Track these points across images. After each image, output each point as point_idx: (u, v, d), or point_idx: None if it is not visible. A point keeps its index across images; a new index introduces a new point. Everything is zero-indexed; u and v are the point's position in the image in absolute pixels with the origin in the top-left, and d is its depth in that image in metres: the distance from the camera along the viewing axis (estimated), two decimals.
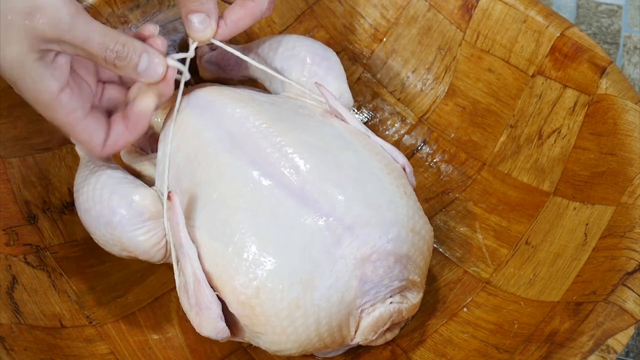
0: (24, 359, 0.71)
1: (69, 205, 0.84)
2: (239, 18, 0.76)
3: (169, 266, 0.82)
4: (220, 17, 0.75)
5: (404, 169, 0.76)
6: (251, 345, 0.77)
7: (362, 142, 0.75)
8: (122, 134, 0.72)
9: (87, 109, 0.70)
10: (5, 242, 0.79)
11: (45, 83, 0.67)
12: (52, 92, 0.67)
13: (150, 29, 0.73)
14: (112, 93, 0.75)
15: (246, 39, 0.93)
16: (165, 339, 0.78)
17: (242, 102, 0.76)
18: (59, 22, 0.65)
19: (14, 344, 0.71)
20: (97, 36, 0.67)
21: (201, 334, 0.71)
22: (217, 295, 0.70)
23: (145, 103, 0.72)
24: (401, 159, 0.76)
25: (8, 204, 0.81)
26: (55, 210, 0.83)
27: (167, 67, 0.71)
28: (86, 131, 0.70)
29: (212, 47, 0.89)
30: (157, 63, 0.71)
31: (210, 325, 0.70)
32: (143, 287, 0.81)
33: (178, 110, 0.77)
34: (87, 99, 0.71)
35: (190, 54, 0.75)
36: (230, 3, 0.77)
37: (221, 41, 0.76)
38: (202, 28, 0.74)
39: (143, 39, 0.72)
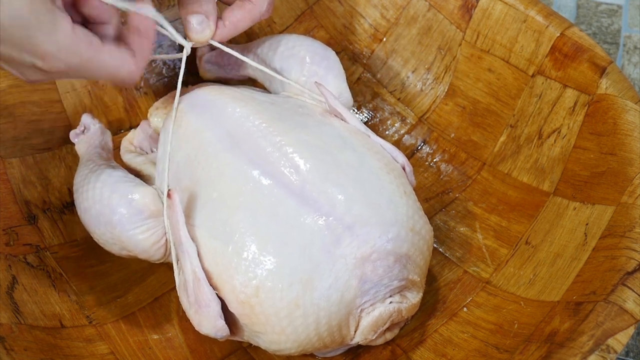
0: (24, 359, 0.71)
1: (69, 205, 0.84)
2: (238, 19, 0.76)
3: (169, 266, 0.82)
4: (220, 18, 0.76)
5: (404, 169, 0.76)
6: (251, 345, 0.77)
7: (362, 141, 0.75)
8: (141, 44, 0.71)
9: (98, 39, 0.68)
10: (5, 242, 0.79)
11: (61, 23, 0.65)
12: (69, 29, 0.66)
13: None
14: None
15: (246, 39, 0.93)
16: (165, 339, 0.78)
17: (242, 102, 0.76)
18: None
19: (14, 344, 0.71)
20: None
21: (200, 332, 0.71)
22: (216, 294, 0.70)
23: (146, 7, 0.71)
24: (401, 158, 0.76)
25: (8, 204, 0.81)
26: (55, 210, 0.83)
27: None
28: (113, 55, 0.69)
29: (212, 47, 0.89)
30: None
31: (210, 323, 0.70)
32: (143, 287, 0.81)
33: (177, 110, 0.77)
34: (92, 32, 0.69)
35: (186, 52, 0.75)
36: (229, 4, 0.78)
37: (220, 42, 0.76)
38: (200, 29, 0.75)
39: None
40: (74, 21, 0.67)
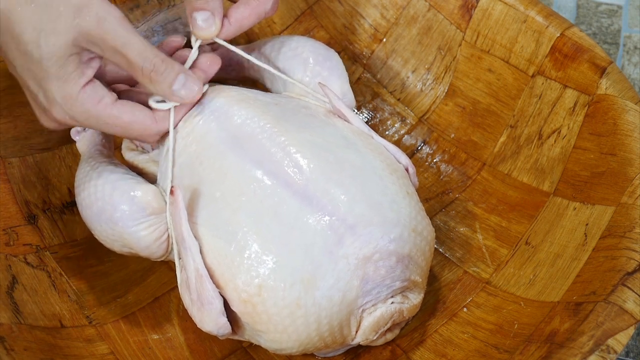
0: (24, 359, 0.71)
1: (69, 205, 0.84)
2: (243, 17, 0.76)
3: (169, 266, 0.82)
4: (224, 15, 0.75)
5: (407, 170, 0.76)
6: (251, 345, 0.77)
7: (365, 142, 0.75)
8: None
9: (114, 97, 0.71)
10: (5, 242, 0.79)
11: (75, 77, 0.68)
12: (79, 85, 0.69)
13: (179, 39, 0.77)
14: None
15: (246, 39, 0.93)
16: (165, 339, 0.78)
17: (245, 102, 0.76)
18: (104, 21, 0.67)
19: (14, 344, 0.71)
20: (138, 44, 0.69)
21: (203, 330, 0.71)
22: (218, 292, 0.70)
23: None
24: (404, 159, 0.76)
25: (8, 204, 0.81)
26: (55, 210, 0.83)
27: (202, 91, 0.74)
28: (125, 110, 0.71)
29: (214, 47, 0.89)
30: (193, 88, 0.73)
31: (212, 320, 0.70)
32: (143, 287, 0.81)
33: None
34: (112, 93, 0.72)
35: (194, 52, 0.75)
36: (234, 1, 0.77)
37: (225, 40, 0.76)
38: (206, 26, 0.74)
39: (171, 49, 0.77)
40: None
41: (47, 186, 0.84)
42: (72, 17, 0.67)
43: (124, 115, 0.71)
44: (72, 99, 0.69)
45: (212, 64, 0.76)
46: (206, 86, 0.76)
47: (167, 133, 0.77)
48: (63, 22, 0.67)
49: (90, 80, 0.69)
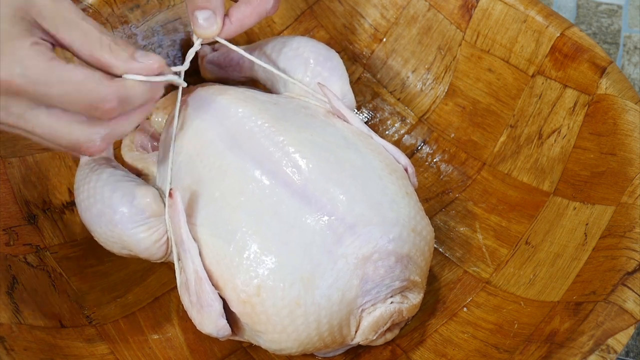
0: (24, 359, 0.71)
1: (69, 205, 0.84)
2: (244, 16, 0.76)
3: (169, 266, 0.82)
4: (225, 14, 0.75)
5: (406, 170, 0.76)
6: (251, 345, 0.77)
7: (365, 142, 0.75)
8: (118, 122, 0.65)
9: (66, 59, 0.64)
10: (5, 242, 0.79)
11: (24, 36, 0.62)
12: (28, 42, 0.61)
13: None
14: None
15: (246, 39, 0.93)
16: (165, 339, 0.78)
17: (245, 102, 0.76)
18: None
19: (14, 344, 0.71)
20: (93, 20, 0.64)
21: (202, 332, 0.71)
22: (218, 293, 0.70)
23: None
24: (403, 159, 0.76)
25: (8, 204, 0.81)
26: (55, 210, 0.83)
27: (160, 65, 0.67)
28: (78, 70, 0.62)
29: (214, 48, 0.90)
30: (151, 55, 0.66)
31: (212, 322, 0.70)
32: (143, 287, 0.81)
33: (180, 109, 0.77)
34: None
35: (196, 47, 0.75)
36: (235, 0, 0.77)
37: (226, 39, 0.76)
38: (207, 25, 0.74)
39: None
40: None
41: (47, 186, 0.84)
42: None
43: (76, 72, 0.61)
44: (24, 51, 0.61)
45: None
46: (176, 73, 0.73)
47: (166, 132, 0.77)
48: None
49: (38, 42, 0.62)
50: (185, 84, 0.71)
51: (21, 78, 0.61)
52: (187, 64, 0.74)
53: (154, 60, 0.65)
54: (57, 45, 0.64)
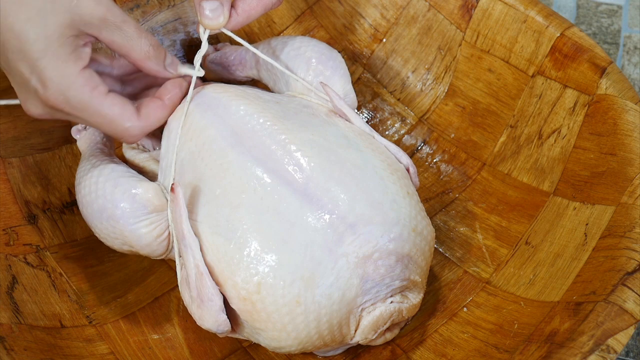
0: (24, 359, 0.71)
1: (69, 205, 0.84)
2: (250, 7, 0.76)
3: (169, 266, 0.82)
4: (232, 6, 0.75)
5: (408, 170, 0.76)
6: (251, 344, 0.77)
7: (366, 141, 0.75)
8: (158, 106, 0.74)
9: (107, 87, 0.71)
10: (5, 242, 0.79)
11: (74, 57, 0.69)
12: (78, 66, 0.69)
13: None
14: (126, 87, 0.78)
15: (246, 39, 0.93)
16: (165, 339, 0.78)
17: (247, 100, 0.76)
18: (101, 2, 0.68)
19: (14, 344, 0.71)
20: (134, 22, 0.71)
21: (202, 327, 0.71)
22: (218, 289, 0.70)
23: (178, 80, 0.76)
24: (405, 159, 0.76)
25: (8, 204, 0.81)
26: (55, 210, 0.83)
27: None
28: (115, 103, 0.71)
29: (216, 47, 0.90)
30: (177, 62, 0.76)
31: (212, 317, 0.70)
32: (143, 287, 0.81)
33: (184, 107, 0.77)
34: (106, 81, 0.73)
35: (204, 45, 0.75)
36: None
37: (232, 31, 0.76)
38: (214, 16, 0.74)
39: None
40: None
41: (47, 186, 0.84)
42: (68, 1, 0.67)
43: (114, 108, 0.71)
44: (71, 79, 0.69)
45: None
46: (201, 72, 0.77)
47: (168, 129, 0.77)
48: (62, 3, 0.67)
49: (87, 66, 0.70)
50: (202, 72, 0.77)
51: (64, 104, 0.70)
52: (198, 67, 0.76)
53: (181, 74, 0.76)
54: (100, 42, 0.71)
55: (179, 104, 0.76)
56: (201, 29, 0.76)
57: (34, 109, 0.71)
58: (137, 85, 0.79)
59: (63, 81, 0.68)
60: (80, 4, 0.67)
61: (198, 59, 0.76)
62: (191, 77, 0.76)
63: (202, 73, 0.76)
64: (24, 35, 0.67)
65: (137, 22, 0.72)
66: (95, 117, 0.71)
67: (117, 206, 0.73)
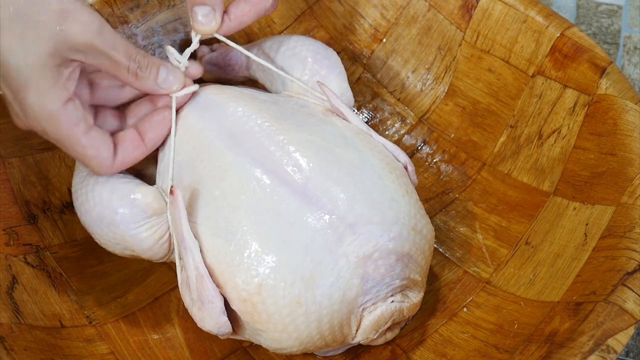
0: (24, 359, 0.71)
1: (69, 205, 0.84)
2: (243, 13, 0.76)
3: (169, 266, 0.82)
4: (225, 12, 0.76)
5: (406, 168, 0.76)
6: (251, 344, 0.77)
7: (364, 140, 0.75)
8: (135, 147, 0.74)
9: (90, 123, 0.71)
10: (5, 242, 0.79)
11: (56, 91, 0.67)
12: (60, 100, 0.68)
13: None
14: (106, 116, 0.76)
15: (245, 39, 0.93)
16: (165, 339, 0.78)
17: (244, 101, 0.76)
18: (90, 26, 0.67)
19: (14, 344, 0.71)
20: (123, 44, 0.70)
21: (203, 329, 0.71)
22: (219, 291, 0.70)
23: (164, 113, 0.75)
24: (403, 157, 0.76)
25: (8, 204, 0.81)
26: (55, 210, 0.83)
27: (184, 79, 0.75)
28: (92, 145, 0.71)
29: (213, 48, 0.90)
30: (175, 74, 0.74)
31: (213, 319, 0.70)
32: (143, 287, 0.81)
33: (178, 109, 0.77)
34: (89, 115, 0.72)
35: (194, 46, 0.75)
36: None
37: (224, 36, 0.76)
38: (206, 21, 0.75)
39: None
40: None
41: (47, 186, 0.84)
42: (55, 24, 0.66)
43: (88, 150, 0.71)
44: (51, 114, 0.68)
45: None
46: (196, 86, 0.76)
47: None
48: (45, 30, 0.66)
49: (71, 98, 0.69)
50: (198, 44, 0.76)
51: (43, 133, 0.70)
52: (185, 61, 0.75)
53: (176, 87, 0.74)
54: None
55: (161, 142, 0.76)
56: (193, 33, 0.76)
57: (21, 125, 0.71)
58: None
59: (43, 114, 0.68)
60: (65, 29, 0.66)
61: (186, 54, 0.76)
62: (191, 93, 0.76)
63: (200, 72, 0.76)
64: (5, 63, 0.66)
65: (128, 43, 0.70)
66: (70, 151, 0.71)
67: (116, 212, 0.73)
